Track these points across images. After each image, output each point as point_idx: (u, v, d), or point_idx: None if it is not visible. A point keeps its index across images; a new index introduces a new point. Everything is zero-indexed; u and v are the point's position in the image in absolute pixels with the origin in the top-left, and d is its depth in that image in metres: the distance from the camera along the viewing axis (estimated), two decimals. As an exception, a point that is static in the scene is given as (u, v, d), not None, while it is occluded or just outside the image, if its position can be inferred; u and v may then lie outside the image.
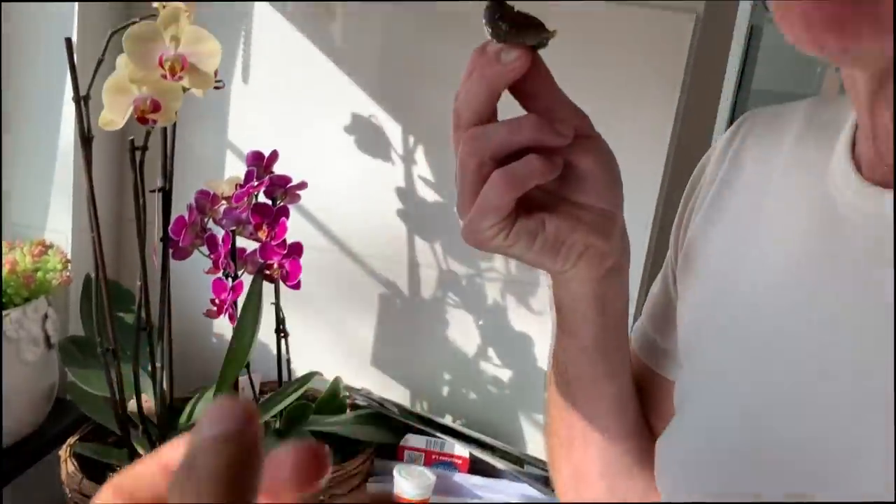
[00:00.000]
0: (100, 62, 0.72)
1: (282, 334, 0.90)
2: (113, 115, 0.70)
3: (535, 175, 0.40)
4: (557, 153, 0.41)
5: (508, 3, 0.39)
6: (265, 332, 0.90)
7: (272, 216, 0.81)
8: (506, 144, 0.40)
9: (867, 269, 0.38)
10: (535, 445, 1.03)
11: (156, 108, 0.71)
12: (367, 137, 1.00)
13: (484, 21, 0.39)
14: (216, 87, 0.74)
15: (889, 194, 0.37)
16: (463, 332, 1.04)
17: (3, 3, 0.92)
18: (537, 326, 1.02)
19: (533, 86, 0.41)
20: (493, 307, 1.02)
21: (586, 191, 0.42)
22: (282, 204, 0.84)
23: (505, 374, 1.04)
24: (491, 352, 1.03)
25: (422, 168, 0.99)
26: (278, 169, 0.88)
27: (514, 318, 1.02)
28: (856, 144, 0.40)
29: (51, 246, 0.89)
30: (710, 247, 0.49)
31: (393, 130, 0.99)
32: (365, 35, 0.99)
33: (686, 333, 0.51)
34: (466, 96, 0.41)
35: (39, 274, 0.85)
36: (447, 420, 1.02)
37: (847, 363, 0.38)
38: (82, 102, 0.72)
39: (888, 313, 0.36)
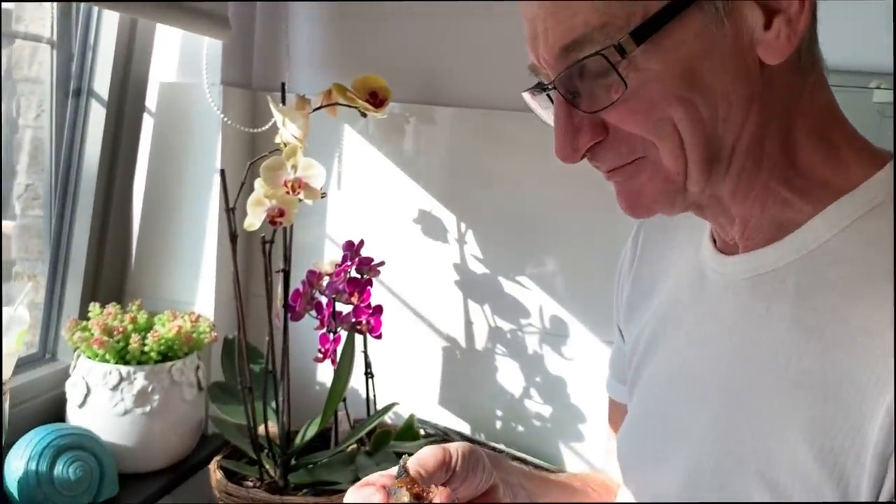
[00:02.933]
0: (242, 184, 1.04)
1: (369, 375, 1.18)
2: (253, 219, 1.01)
3: None
4: None
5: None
6: (356, 377, 1.18)
7: (361, 286, 1.11)
8: None
9: (718, 301, 0.60)
10: (572, 466, 1.26)
11: (281, 214, 1.01)
12: (430, 226, 1.29)
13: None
14: (322, 197, 1.04)
15: (727, 258, 0.60)
16: (510, 376, 1.28)
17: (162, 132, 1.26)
18: (569, 370, 1.26)
19: None
20: (533, 355, 1.27)
21: None
22: (367, 277, 1.13)
23: (546, 410, 1.28)
24: (533, 392, 1.28)
25: (471, 247, 1.28)
26: (364, 252, 1.17)
27: (551, 364, 1.27)
28: (713, 234, 0.64)
29: (200, 315, 1.20)
30: (636, 303, 0.73)
31: (448, 220, 1.28)
32: (425, 148, 1.29)
33: (630, 360, 0.73)
34: None
35: (195, 335, 1.15)
36: (501, 447, 1.27)
37: (707, 367, 0.60)
38: (232, 212, 1.05)
39: (731, 327, 0.58)
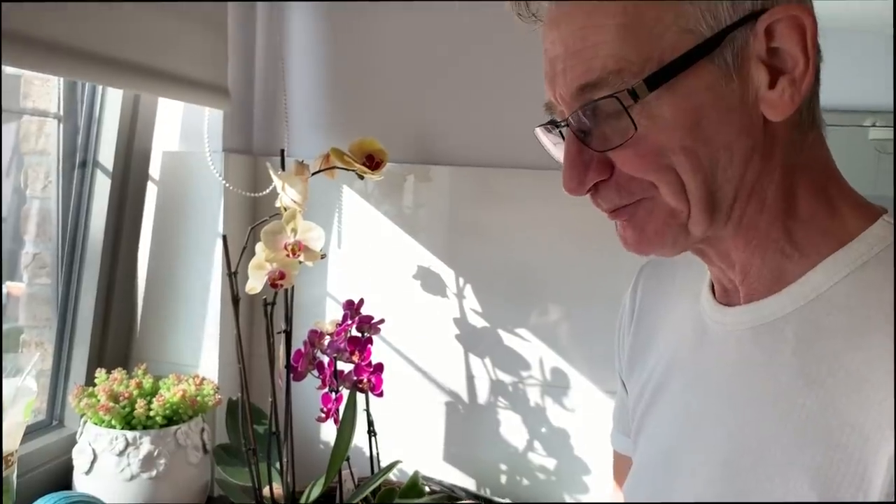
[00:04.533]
0: (244, 248, 1.07)
1: (372, 433, 1.19)
2: (255, 283, 1.03)
3: None
4: None
5: None
6: (360, 435, 1.18)
7: (362, 345, 1.13)
8: None
9: (721, 351, 0.62)
10: (578, 520, 1.26)
11: (282, 276, 1.03)
12: (429, 281, 1.31)
13: None
14: (321, 258, 1.07)
15: (727, 309, 0.62)
16: (513, 429, 1.29)
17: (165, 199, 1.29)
18: (572, 422, 1.26)
19: None
20: (535, 408, 1.28)
21: None
22: (368, 335, 1.15)
23: (550, 463, 1.28)
24: (536, 444, 1.28)
25: (470, 301, 1.30)
26: (365, 309, 1.19)
27: (553, 416, 1.27)
28: (713, 282, 0.66)
29: (205, 378, 1.22)
30: (638, 354, 0.75)
31: (447, 275, 1.30)
32: (423, 205, 1.32)
33: (633, 411, 0.75)
34: None
35: (199, 399, 1.17)
36: (507, 501, 1.26)
37: (712, 413, 0.62)
38: (234, 276, 1.07)
39: (733, 376, 0.60)
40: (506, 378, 1.29)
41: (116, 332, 1.29)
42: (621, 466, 0.79)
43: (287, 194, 1.05)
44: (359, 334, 1.15)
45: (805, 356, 0.54)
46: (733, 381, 0.59)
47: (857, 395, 0.50)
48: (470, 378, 1.30)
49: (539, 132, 0.62)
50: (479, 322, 1.30)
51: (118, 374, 1.15)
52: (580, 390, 1.25)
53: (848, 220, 0.56)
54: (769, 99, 0.53)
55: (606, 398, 1.23)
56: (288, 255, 1.01)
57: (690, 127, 0.53)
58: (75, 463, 1.10)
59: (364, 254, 1.34)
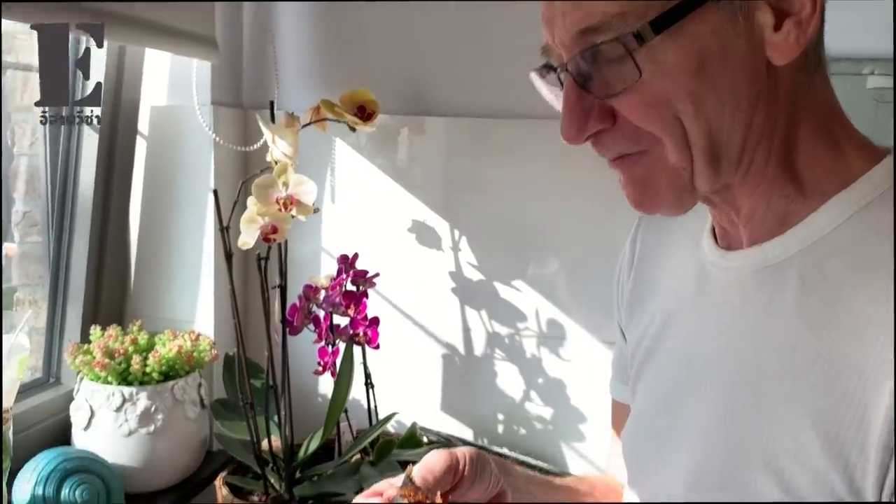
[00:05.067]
0: (235, 203, 1.05)
1: (369, 386, 1.19)
2: (247, 238, 1.02)
3: None
4: None
5: None
6: (357, 388, 1.19)
7: (357, 298, 1.12)
8: None
9: (722, 295, 0.62)
10: (575, 468, 1.27)
11: (274, 231, 1.02)
12: (424, 235, 1.30)
13: None
14: (314, 212, 1.05)
15: (729, 253, 0.61)
16: (509, 380, 1.30)
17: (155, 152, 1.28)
18: (568, 372, 1.27)
19: None
20: (532, 359, 1.28)
21: None
22: (363, 289, 1.15)
23: (546, 412, 1.29)
24: (533, 394, 1.29)
25: (466, 254, 1.29)
26: (359, 263, 1.19)
27: (549, 366, 1.28)
28: (714, 227, 0.65)
29: (200, 334, 1.21)
30: (637, 302, 0.74)
31: (442, 228, 1.29)
32: (417, 158, 1.31)
33: (632, 359, 0.75)
34: None
35: (195, 354, 1.17)
36: (504, 450, 1.28)
37: (713, 358, 0.61)
38: (226, 231, 1.06)
39: (735, 320, 0.59)
40: (502, 330, 1.29)
41: (110, 289, 1.28)
42: (620, 415, 0.80)
43: (277, 147, 1.03)
44: (354, 288, 1.15)
45: (808, 298, 0.54)
46: (734, 325, 0.59)
47: (860, 337, 0.49)
48: (466, 330, 1.30)
49: (534, 77, 0.60)
50: (474, 275, 1.29)
51: (113, 330, 1.14)
52: (576, 341, 1.26)
53: (852, 160, 0.56)
54: (774, 42, 0.52)
55: (602, 348, 1.23)
56: (280, 210, 1.00)
57: (695, 72, 0.51)
58: (73, 420, 1.11)
59: (358, 208, 1.33)
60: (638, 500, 0.70)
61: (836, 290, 0.53)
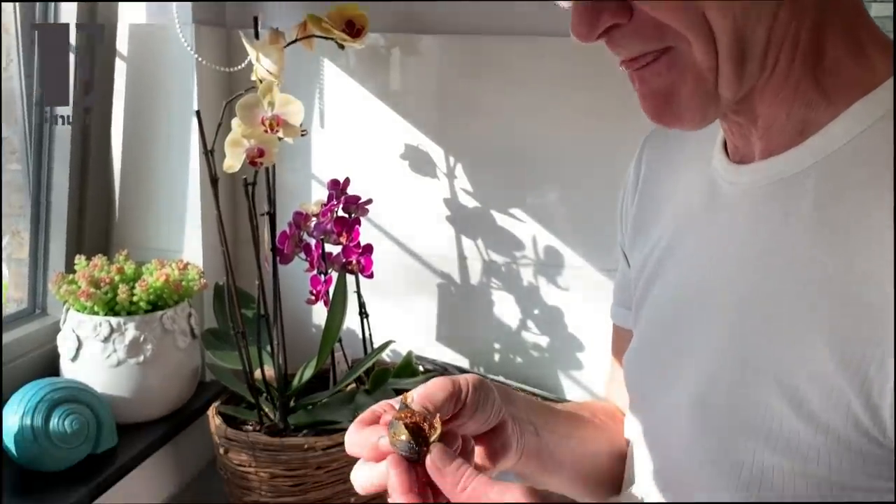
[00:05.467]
0: (219, 125, 1.01)
1: (363, 315, 1.17)
2: (232, 161, 0.98)
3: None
4: None
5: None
6: (352, 318, 1.17)
7: (349, 225, 1.09)
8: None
9: (733, 212, 0.59)
10: (572, 396, 1.26)
11: (261, 154, 0.98)
12: (417, 161, 1.26)
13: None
14: (301, 135, 1.01)
15: (742, 167, 0.58)
16: (506, 309, 1.27)
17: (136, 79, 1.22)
18: (565, 300, 1.24)
19: None
20: (529, 287, 1.26)
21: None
22: (355, 216, 1.11)
23: (543, 341, 1.27)
24: (530, 323, 1.27)
25: (461, 181, 1.25)
26: (351, 191, 1.15)
27: (546, 295, 1.25)
28: (726, 141, 0.62)
29: (189, 263, 1.18)
30: (642, 223, 0.71)
31: (437, 154, 1.25)
32: (410, 80, 1.25)
33: (635, 282, 0.72)
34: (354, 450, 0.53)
35: (184, 283, 1.14)
36: (501, 379, 1.26)
37: (722, 277, 0.59)
38: (210, 154, 1.02)
39: (746, 237, 0.56)
40: (498, 259, 1.26)
41: (94, 218, 1.24)
42: (621, 341, 0.77)
43: (262, 66, 0.98)
44: (346, 215, 1.11)
45: (826, 210, 0.51)
46: (746, 243, 0.56)
47: (879, 249, 0.47)
48: (462, 259, 1.27)
49: None
50: (470, 202, 1.25)
51: (98, 260, 1.11)
52: (574, 269, 1.23)
53: (877, 65, 0.52)
54: None
55: (600, 276, 1.21)
56: (266, 131, 0.96)
57: None
58: (60, 350, 1.08)
59: (349, 134, 1.28)
60: (639, 426, 0.68)
61: (855, 203, 0.50)
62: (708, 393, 0.57)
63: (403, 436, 0.49)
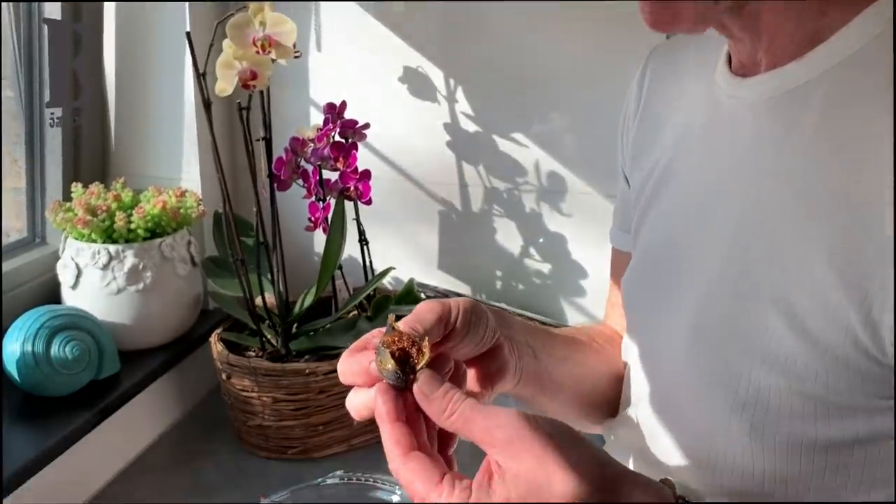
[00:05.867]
0: (211, 46, 0.98)
1: (363, 243, 1.16)
2: (224, 84, 0.95)
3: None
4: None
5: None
6: (352, 246, 1.16)
7: (346, 150, 1.06)
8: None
9: (735, 127, 0.57)
10: (574, 323, 1.25)
11: (253, 76, 0.95)
12: (417, 84, 1.23)
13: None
14: (295, 57, 0.96)
15: (745, 80, 0.56)
16: (508, 236, 1.26)
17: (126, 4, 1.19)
18: (568, 226, 1.22)
19: None
20: (531, 214, 1.24)
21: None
22: (352, 141, 1.09)
23: (545, 268, 1.26)
24: (532, 250, 1.25)
25: (462, 105, 1.22)
26: (348, 115, 1.12)
27: (549, 222, 1.23)
28: (731, 56, 0.59)
29: (186, 190, 1.17)
30: (643, 142, 0.69)
31: (437, 76, 1.21)
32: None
33: (635, 202, 0.71)
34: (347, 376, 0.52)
35: (182, 210, 1.12)
36: (503, 306, 1.26)
37: (724, 192, 0.57)
38: (202, 78, 0.99)
39: (748, 153, 0.54)
40: (500, 185, 1.24)
41: (90, 146, 1.23)
42: (619, 264, 0.76)
43: (253, -18, 0.95)
44: (343, 140, 1.09)
45: (832, 123, 0.49)
46: (747, 158, 0.55)
47: (885, 166, 0.45)
48: (463, 186, 1.25)
49: None
50: (471, 127, 1.22)
51: (95, 188, 1.10)
52: (577, 195, 1.21)
53: None
54: None
55: (604, 202, 1.18)
56: (258, 52, 0.93)
57: None
58: (61, 279, 1.08)
59: (346, 56, 1.24)
60: (637, 348, 0.67)
61: (861, 114, 0.48)
62: (706, 311, 0.56)
63: (390, 364, 0.48)
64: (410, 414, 0.48)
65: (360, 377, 0.50)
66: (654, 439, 0.63)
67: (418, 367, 0.48)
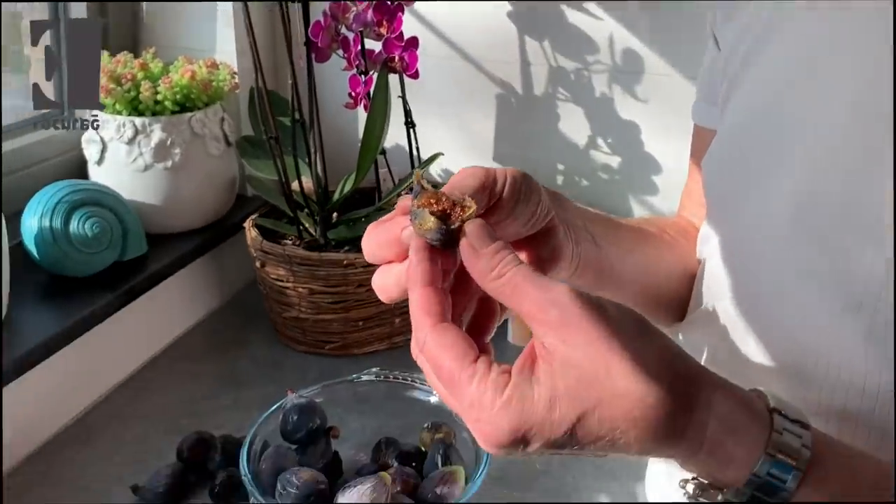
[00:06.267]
0: None
1: (410, 125, 1.05)
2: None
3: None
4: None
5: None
6: (398, 132, 1.05)
7: (391, 13, 0.94)
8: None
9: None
10: (643, 223, 1.13)
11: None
12: (477, -56, 1.08)
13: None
14: None
15: None
16: (573, 124, 1.13)
17: None
18: (643, 114, 1.09)
19: None
20: (601, 98, 1.10)
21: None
22: (398, 2, 0.96)
23: (614, 161, 1.13)
24: (600, 141, 1.12)
25: (527, -32, 1.07)
26: (396, -23, 0.99)
27: (621, 108, 1.10)
28: None
29: (219, 62, 1.07)
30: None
31: (499, -65, 1.07)
32: None
33: (726, 65, 0.59)
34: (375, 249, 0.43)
35: (214, 83, 1.03)
36: (562, 202, 1.14)
37: (841, 48, 0.47)
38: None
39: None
40: (567, 64, 1.10)
41: (119, 13, 1.14)
42: (702, 143, 0.64)
43: None
44: (387, 1, 0.96)
45: None
46: (877, 5, 0.45)
47: None
48: (525, 64, 1.12)
49: None
50: (537, -4, 1.08)
51: (123, 56, 1.01)
52: (656, 76, 1.06)
53: None
54: None
55: (686, 85, 1.04)
56: None
57: None
58: (86, 153, 1.02)
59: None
60: (717, 238, 0.56)
61: None
62: (816, 188, 0.46)
63: (430, 222, 0.38)
64: (447, 283, 0.39)
65: (392, 248, 0.41)
66: (734, 345, 0.53)
67: (465, 218, 0.39)
